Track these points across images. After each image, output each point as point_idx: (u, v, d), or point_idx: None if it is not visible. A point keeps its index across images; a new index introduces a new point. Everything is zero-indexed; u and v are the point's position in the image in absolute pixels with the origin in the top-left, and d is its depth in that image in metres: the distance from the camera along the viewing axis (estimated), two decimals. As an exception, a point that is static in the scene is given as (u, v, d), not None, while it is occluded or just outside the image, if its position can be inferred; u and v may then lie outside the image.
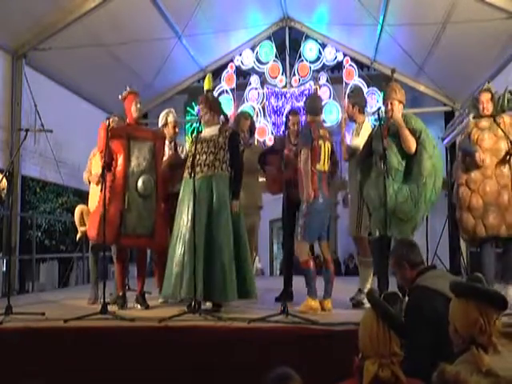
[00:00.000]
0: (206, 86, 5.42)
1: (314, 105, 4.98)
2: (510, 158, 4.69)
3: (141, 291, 4.96)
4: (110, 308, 4.43)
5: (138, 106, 5.04)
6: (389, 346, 2.43)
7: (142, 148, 4.95)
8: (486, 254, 4.80)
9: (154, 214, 4.91)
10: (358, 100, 5.22)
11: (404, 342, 2.58)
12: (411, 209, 4.59)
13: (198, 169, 4.57)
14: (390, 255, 3.40)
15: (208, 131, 4.74)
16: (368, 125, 5.26)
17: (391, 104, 4.70)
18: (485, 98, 4.98)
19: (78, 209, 5.69)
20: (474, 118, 5.14)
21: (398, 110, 4.71)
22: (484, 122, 4.93)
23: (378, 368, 2.38)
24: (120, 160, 4.87)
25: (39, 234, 13.83)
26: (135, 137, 4.95)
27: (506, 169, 4.76)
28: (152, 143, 5.01)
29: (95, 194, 5.35)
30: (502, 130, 4.75)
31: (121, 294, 4.94)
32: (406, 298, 3.00)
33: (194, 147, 4.61)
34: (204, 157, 4.63)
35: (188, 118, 10.86)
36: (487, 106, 4.98)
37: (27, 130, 4.86)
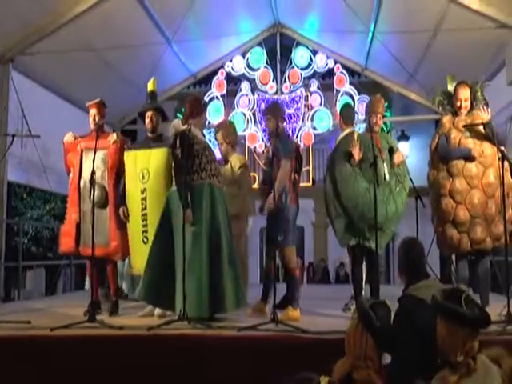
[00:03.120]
0: (151, 87, 5.39)
1: (280, 111, 5.04)
2: (500, 162, 4.16)
3: (111, 298, 5.03)
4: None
5: (90, 119, 5.14)
6: (364, 349, 2.60)
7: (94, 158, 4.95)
8: (463, 266, 4.65)
9: (107, 223, 4.93)
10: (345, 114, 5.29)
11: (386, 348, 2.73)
12: (396, 223, 4.71)
13: (219, 178, 4.58)
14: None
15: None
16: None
17: (380, 119, 4.81)
18: (463, 94, 4.54)
19: None
20: (446, 113, 4.74)
21: (380, 124, 4.86)
22: (463, 123, 4.54)
23: (351, 368, 2.56)
24: (73, 173, 5.05)
25: (26, 240, 13.69)
26: (88, 148, 4.96)
27: (492, 177, 4.43)
28: (105, 151, 5.01)
29: None
30: (492, 141, 4.33)
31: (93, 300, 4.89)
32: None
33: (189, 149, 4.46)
34: (214, 165, 4.55)
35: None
36: (466, 105, 4.55)
37: (14, 136, 4.82)
